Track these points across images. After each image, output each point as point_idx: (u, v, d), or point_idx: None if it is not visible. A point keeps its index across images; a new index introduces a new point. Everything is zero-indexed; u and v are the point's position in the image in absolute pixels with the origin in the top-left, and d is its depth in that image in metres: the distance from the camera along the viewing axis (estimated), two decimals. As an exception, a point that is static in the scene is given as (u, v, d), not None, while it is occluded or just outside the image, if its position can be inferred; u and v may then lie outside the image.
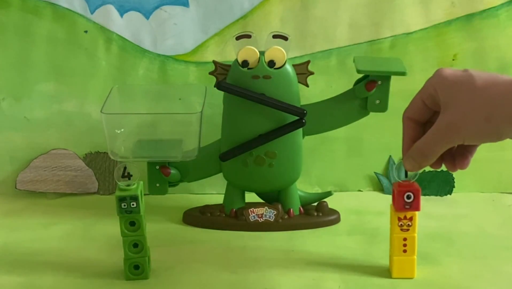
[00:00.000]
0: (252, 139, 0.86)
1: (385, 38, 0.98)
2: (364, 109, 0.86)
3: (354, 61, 0.86)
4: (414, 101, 0.67)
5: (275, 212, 0.90)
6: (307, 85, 0.86)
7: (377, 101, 0.85)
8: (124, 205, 0.73)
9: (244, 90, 0.84)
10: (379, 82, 0.84)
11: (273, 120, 0.85)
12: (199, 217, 0.92)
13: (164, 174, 0.88)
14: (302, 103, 0.86)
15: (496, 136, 0.61)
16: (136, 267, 0.76)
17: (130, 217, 0.74)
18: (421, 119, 0.67)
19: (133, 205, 0.73)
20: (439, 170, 1.00)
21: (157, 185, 0.89)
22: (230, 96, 0.85)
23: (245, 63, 0.83)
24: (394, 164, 1.01)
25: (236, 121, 0.87)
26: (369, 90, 0.84)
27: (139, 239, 0.76)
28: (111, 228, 0.85)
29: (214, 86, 0.84)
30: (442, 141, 0.63)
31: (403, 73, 0.83)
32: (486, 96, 0.60)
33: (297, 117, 0.85)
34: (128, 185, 0.74)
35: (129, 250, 0.76)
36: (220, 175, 0.91)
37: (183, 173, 0.90)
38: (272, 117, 0.85)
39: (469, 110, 0.61)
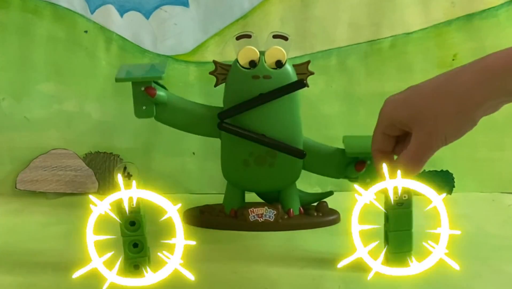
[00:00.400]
0: (254, 132, 0.86)
1: (385, 38, 0.98)
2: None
3: (343, 142, 0.87)
4: (376, 136, 0.72)
5: (275, 212, 0.90)
6: (307, 86, 0.86)
7: (368, 180, 0.86)
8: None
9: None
10: (369, 162, 0.85)
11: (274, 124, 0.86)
12: (199, 217, 0.92)
13: (150, 94, 0.86)
14: (302, 105, 0.86)
15: (471, 123, 0.64)
16: (136, 267, 0.76)
17: (130, 217, 0.74)
18: (389, 148, 0.72)
19: (133, 204, 0.73)
20: (439, 170, 1.01)
21: (144, 107, 0.87)
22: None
23: (252, 63, 0.83)
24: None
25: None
26: (359, 170, 0.86)
27: (139, 239, 0.76)
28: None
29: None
30: (429, 150, 0.66)
31: None
32: (444, 93, 0.62)
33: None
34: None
35: (129, 250, 0.76)
36: (220, 174, 0.91)
37: (165, 104, 0.87)
38: (273, 118, 0.86)
39: (438, 112, 0.63)
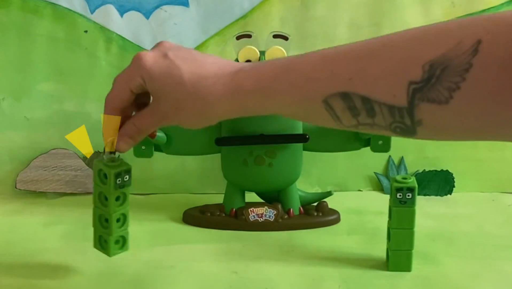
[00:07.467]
0: (252, 135, 0.86)
1: (385, 38, 0.98)
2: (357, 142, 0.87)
3: None
4: (123, 92, 0.66)
5: (275, 212, 0.90)
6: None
7: (380, 142, 0.86)
8: (119, 180, 0.71)
9: (242, 139, 0.86)
10: None
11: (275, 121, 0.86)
12: (199, 217, 0.92)
13: (149, 136, 0.87)
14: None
15: (210, 123, 0.64)
16: (118, 241, 0.74)
17: (121, 192, 0.72)
18: (127, 105, 0.67)
19: (126, 178, 0.71)
20: (439, 170, 1.01)
21: (143, 147, 0.89)
22: None
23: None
24: (394, 164, 1.01)
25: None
26: None
27: (123, 212, 0.73)
28: (111, 228, 0.85)
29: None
30: (160, 123, 0.66)
31: None
32: (196, 94, 0.61)
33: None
34: (113, 161, 0.72)
35: (116, 226, 0.73)
36: (220, 174, 0.91)
37: (168, 139, 0.89)
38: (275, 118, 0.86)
39: (182, 106, 0.62)
